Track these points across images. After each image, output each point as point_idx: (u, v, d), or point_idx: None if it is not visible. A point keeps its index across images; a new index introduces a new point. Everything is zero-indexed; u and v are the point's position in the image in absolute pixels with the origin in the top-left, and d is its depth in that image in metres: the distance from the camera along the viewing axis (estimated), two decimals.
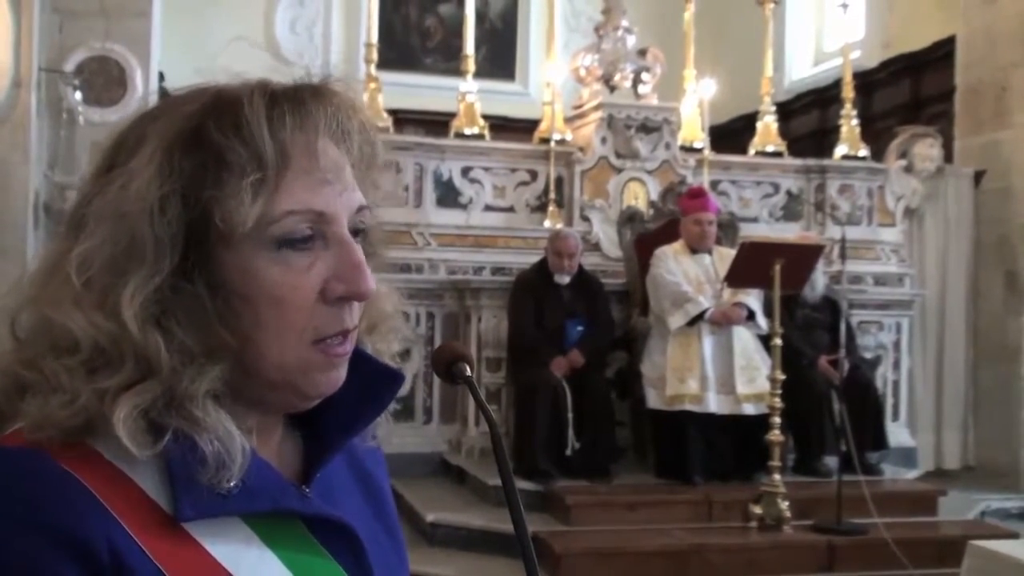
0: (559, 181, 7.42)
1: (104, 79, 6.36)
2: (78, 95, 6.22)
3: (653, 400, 6.18)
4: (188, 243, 0.87)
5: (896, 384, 7.64)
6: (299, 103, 0.90)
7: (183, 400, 0.85)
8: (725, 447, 6.19)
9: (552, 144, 7.42)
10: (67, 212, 0.92)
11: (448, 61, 11.41)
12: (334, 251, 0.91)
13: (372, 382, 1.01)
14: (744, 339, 6.20)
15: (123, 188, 0.86)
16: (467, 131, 7.44)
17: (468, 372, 1.04)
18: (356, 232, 0.93)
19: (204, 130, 0.88)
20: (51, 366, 0.84)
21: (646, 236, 6.90)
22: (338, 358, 0.93)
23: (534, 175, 7.45)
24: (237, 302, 0.88)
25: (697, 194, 6.54)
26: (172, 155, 0.87)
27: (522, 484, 5.78)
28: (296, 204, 0.88)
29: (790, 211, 7.95)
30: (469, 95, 7.55)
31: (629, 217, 7.06)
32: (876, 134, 9.01)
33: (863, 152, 8.13)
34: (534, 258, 6.68)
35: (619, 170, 7.47)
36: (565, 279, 6.41)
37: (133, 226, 0.85)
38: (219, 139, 0.87)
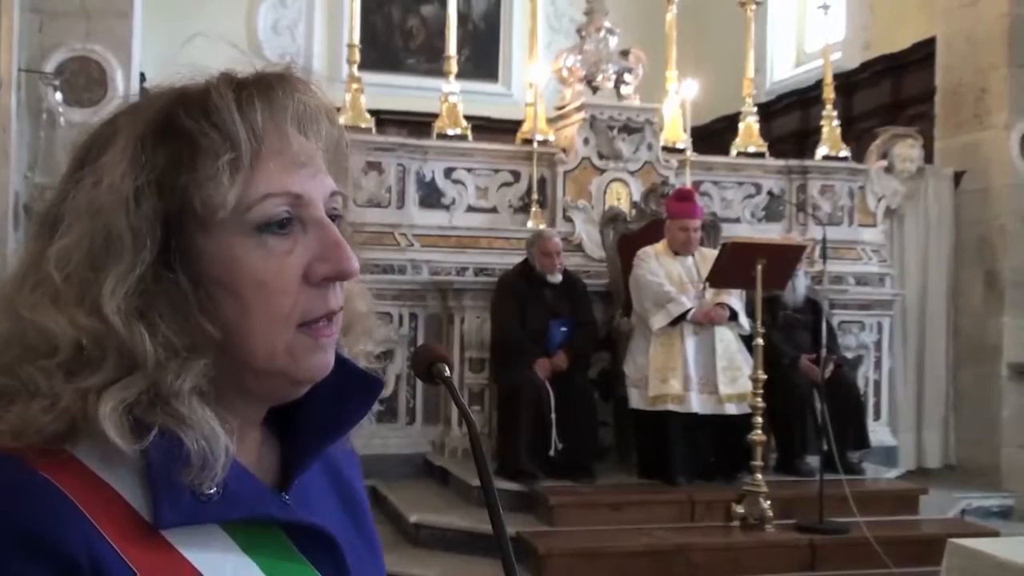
0: (542, 182, 7.42)
1: (85, 80, 6.32)
2: (58, 96, 6.18)
3: (636, 400, 6.19)
4: (167, 234, 0.87)
5: (877, 384, 7.68)
6: (266, 88, 0.91)
7: (169, 397, 0.84)
8: (707, 447, 6.21)
9: (535, 145, 7.43)
10: (38, 214, 0.92)
11: (431, 62, 11.39)
12: (313, 233, 0.91)
13: (351, 388, 1.00)
14: (726, 339, 6.22)
15: (96, 184, 0.86)
16: (450, 132, 7.43)
17: (447, 373, 1.04)
18: (331, 218, 0.93)
19: (174, 119, 0.88)
20: (27, 370, 0.83)
21: (629, 237, 6.91)
22: (325, 339, 0.92)
23: (517, 176, 7.45)
24: (220, 292, 0.88)
25: (685, 196, 6.52)
26: (144, 146, 0.87)
27: (505, 485, 5.79)
28: (273, 186, 0.89)
29: (772, 211, 7.98)
30: (452, 96, 7.55)
31: (612, 218, 7.07)
32: (857, 135, 9.06)
33: (844, 153, 8.18)
34: (517, 259, 6.68)
35: (602, 171, 7.48)
36: (558, 278, 6.42)
37: (109, 220, 0.85)
38: (190, 125, 0.87)
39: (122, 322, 0.83)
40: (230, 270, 0.88)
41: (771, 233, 7.69)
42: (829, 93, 8.27)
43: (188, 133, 0.87)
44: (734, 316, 6.23)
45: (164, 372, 0.84)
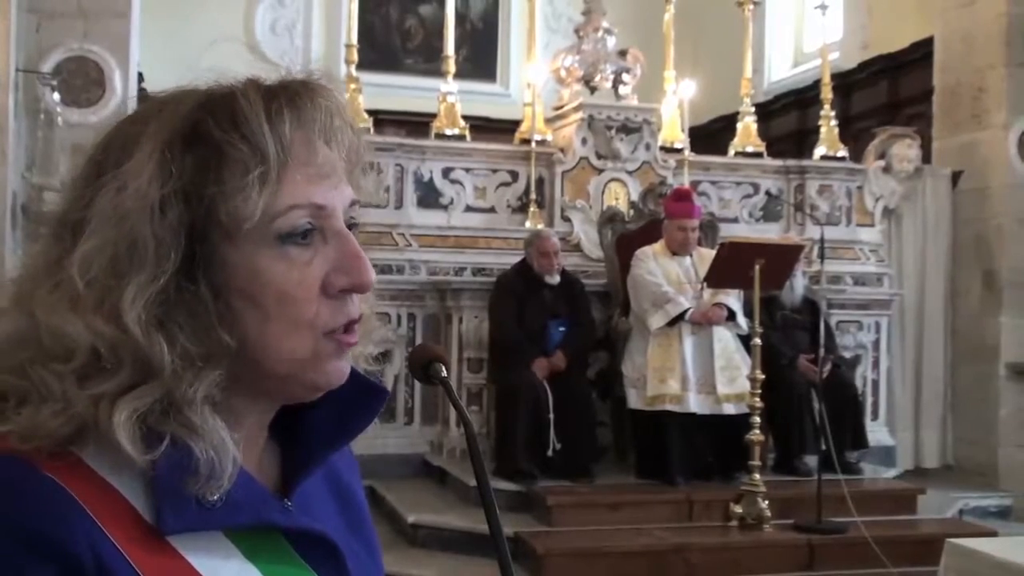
0: (540, 182, 7.42)
1: (82, 80, 6.31)
2: (56, 96, 6.18)
3: (634, 400, 6.19)
4: (190, 243, 0.86)
5: (875, 383, 7.69)
6: (294, 97, 0.90)
7: (181, 406, 0.84)
8: (706, 447, 6.21)
9: (533, 145, 7.42)
10: (53, 218, 0.90)
11: (429, 62, 11.40)
12: (333, 244, 0.91)
13: (356, 396, 1.00)
14: (724, 339, 6.22)
15: (121, 189, 0.85)
16: (448, 132, 7.43)
17: (443, 373, 1.04)
18: (348, 226, 0.93)
19: (202, 126, 0.87)
20: (39, 373, 0.83)
21: (627, 237, 6.91)
22: (348, 346, 0.93)
23: (515, 176, 7.45)
24: (240, 302, 0.88)
25: (683, 196, 6.52)
26: (171, 153, 0.86)
27: (503, 485, 5.79)
28: (298, 198, 0.88)
29: (770, 211, 7.98)
30: (450, 96, 7.55)
31: (610, 218, 7.08)
32: (855, 135, 9.07)
33: (842, 153, 8.18)
34: (515, 259, 6.68)
35: (600, 171, 7.48)
36: (556, 279, 6.41)
37: (134, 227, 0.84)
38: (219, 135, 0.87)
39: (142, 332, 0.83)
40: (252, 280, 0.88)
41: (769, 233, 7.69)
42: (827, 93, 8.27)
43: (216, 143, 0.87)
44: (732, 316, 6.23)
45: (179, 381, 0.84)
